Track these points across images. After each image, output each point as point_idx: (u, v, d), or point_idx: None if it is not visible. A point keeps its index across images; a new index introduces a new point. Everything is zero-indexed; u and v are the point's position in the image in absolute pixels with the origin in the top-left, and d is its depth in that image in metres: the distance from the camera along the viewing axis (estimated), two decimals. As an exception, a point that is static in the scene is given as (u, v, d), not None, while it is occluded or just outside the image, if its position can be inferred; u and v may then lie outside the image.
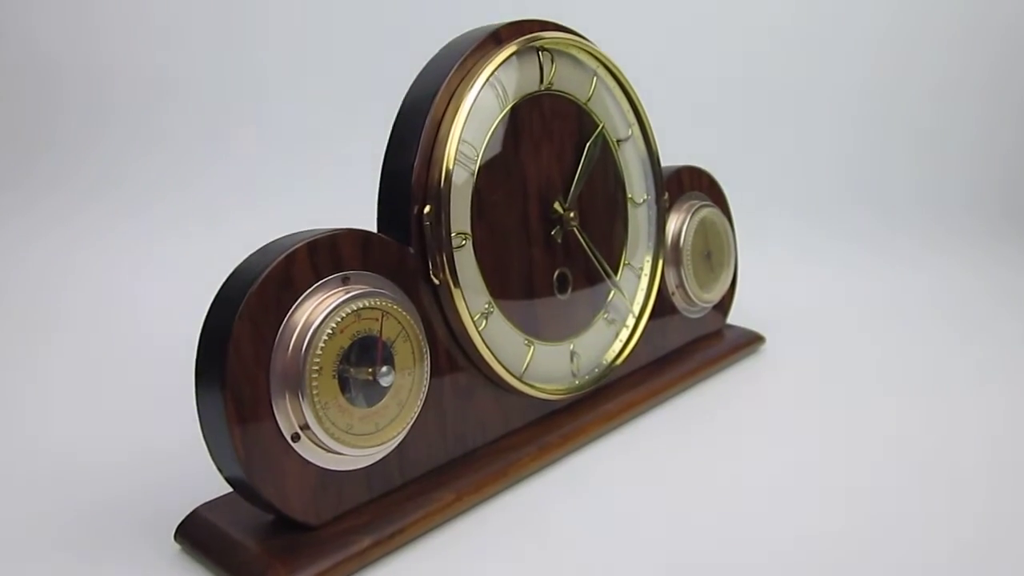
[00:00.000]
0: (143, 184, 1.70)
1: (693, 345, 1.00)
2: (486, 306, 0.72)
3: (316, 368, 0.57)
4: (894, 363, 1.03)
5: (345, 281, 0.61)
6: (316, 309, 0.59)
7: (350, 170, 1.49)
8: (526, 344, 0.76)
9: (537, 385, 0.77)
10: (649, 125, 0.88)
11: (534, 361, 0.77)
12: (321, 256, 0.60)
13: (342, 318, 0.59)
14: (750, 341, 1.05)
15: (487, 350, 0.71)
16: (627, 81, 0.85)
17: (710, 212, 0.97)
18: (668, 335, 0.97)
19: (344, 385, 0.60)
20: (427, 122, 0.67)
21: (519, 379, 0.75)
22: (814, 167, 1.84)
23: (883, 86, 1.86)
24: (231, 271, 0.59)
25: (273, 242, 0.61)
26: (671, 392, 0.91)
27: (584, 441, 0.80)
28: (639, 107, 0.86)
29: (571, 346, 0.81)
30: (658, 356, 0.95)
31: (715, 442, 0.82)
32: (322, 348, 0.58)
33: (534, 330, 0.77)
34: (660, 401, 0.90)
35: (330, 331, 0.58)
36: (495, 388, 0.74)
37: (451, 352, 0.70)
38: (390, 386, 0.62)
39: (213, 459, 0.58)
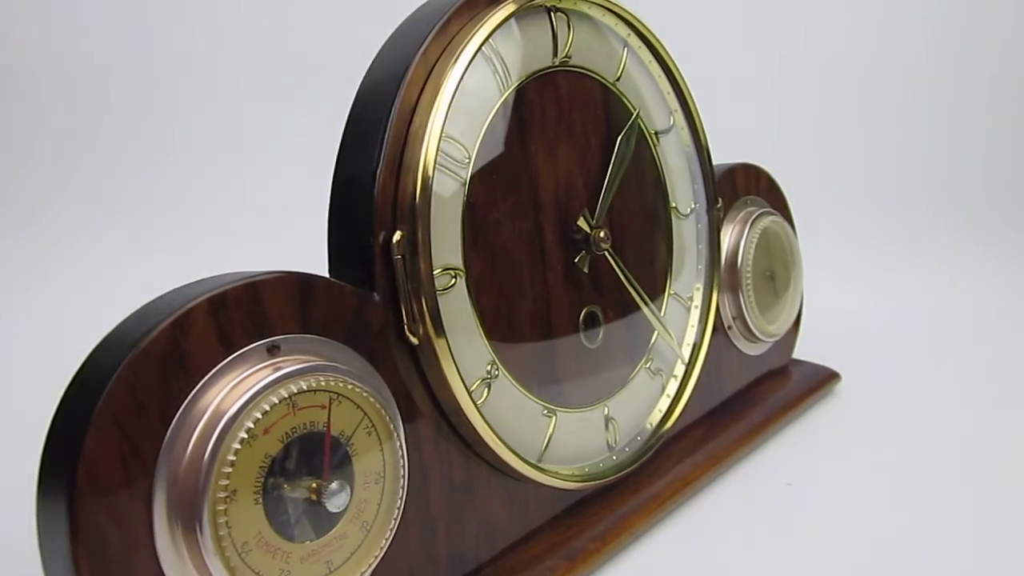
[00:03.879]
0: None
1: (754, 389, 0.79)
2: (488, 369, 0.51)
3: (226, 490, 0.37)
4: (1000, 393, 0.83)
5: (272, 352, 0.41)
6: (226, 399, 0.39)
7: (293, 182, 1.25)
8: (546, 415, 0.56)
9: (562, 471, 0.56)
10: (697, 112, 0.67)
11: (557, 436, 0.56)
12: (233, 316, 0.40)
13: (267, 410, 0.38)
14: (824, 380, 0.84)
15: (490, 432, 0.50)
16: (668, 54, 0.64)
17: (772, 222, 0.77)
18: (724, 379, 0.76)
19: (275, 511, 0.39)
20: (395, 111, 0.47)
21: (537, 465, 0.54)
22: (882, 159, 1.55)
23: (955, 81, 1.60)
24: (91, 351, 0.39)
25: (157, 299, 0.40)
26: (734, 458, 0.70)
27: (627, 540, 0.59)
28: (684, 88, 0.66)
29: (605, 410, 0.61)
30: (713, 406, 0.74)
31: (796, 521, 0.63)
32: (235, 459, 0.37)
33: (556, 394, 0.56)
34: (721, 471, 0.69)
35: (248, 432, 0.38)
36: (503, 479, 0.54)
37: (440, 437, 0.50)
38: (345, 507, 0.41)
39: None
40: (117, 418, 0.36)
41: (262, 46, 1.51)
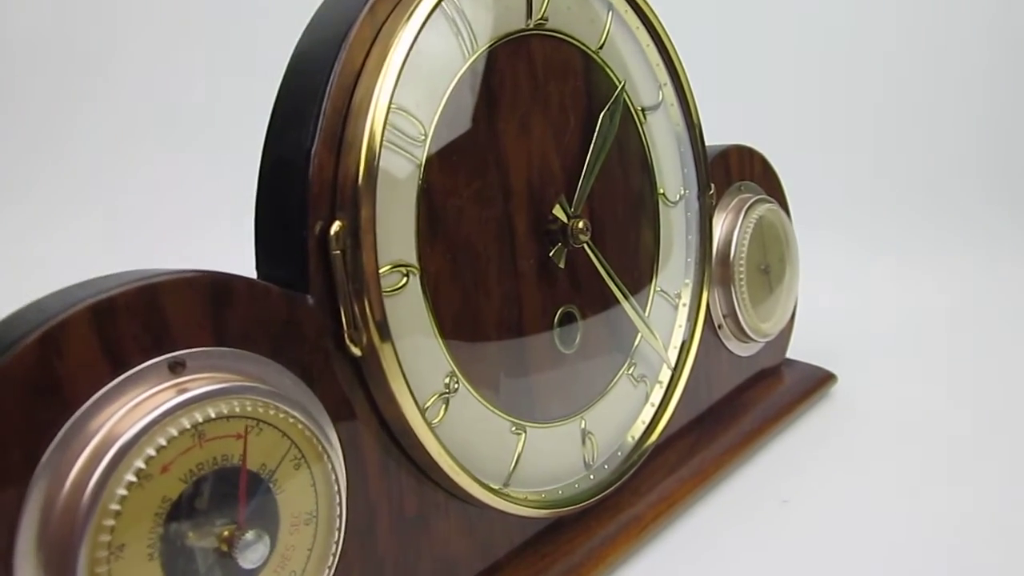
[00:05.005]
0: None
1: (745, 392, 0.72)
2: (446, 382, 0.44)
3: (108, 546, 0.30)
4: (1001, 394, 0.78)
5: (176, 370, 0.33)
6: (111, 431, 0.31)
7: (217, 166, 1.13)
8: (514, 431, 0.48)
9: (532, 496, 0.49)
10: (689, 87, 0.60)
11: (527, 456, 0.49)
12: (123, 327, 0.32)
13: (165, 444, 0.31)
14: (819, 382, 0.77)
15: (446, 456, 0.43)
16: (658, 20, 0.56)
17: (768, 210, 0.70)
18: (713, 382, 0.69)
19: (176, 568, 0.32)
20: (334, 77, 0.39)
21: (502, 492, 0.47)
22: (880, 157, 1.47)
23: (960, 75, 1.51)
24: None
25: (29, 306, 0.32)
26: (723, 472, 0.63)
27: (606, 571, 0.52)
28: (675, 59, 0.58)
29: (582, 423, 0.53)
30: (701, 412, 0.68)
31: (792, 543, 0.56)
32: (119, 508, 0.30)
33: (526, 408, 0.49)
34: (710, 488, 0.62)
35: (137, 473, 0.30)
36: (463, 506, 0.47)
37: (388, 464, 0.43)
38: (265, 560, 0.34)
39: None
40: (-35, 458, 0.28)
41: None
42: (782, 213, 0.72)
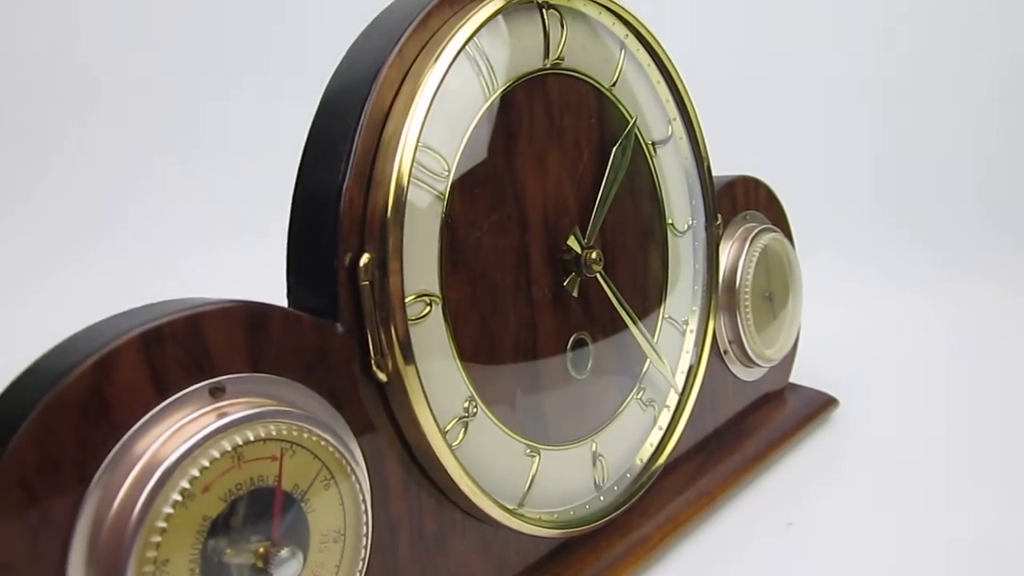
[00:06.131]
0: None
1: (750, 416, 0.74)
2: (465, 406, 0.46)
3: (154, 562, 0.32)
4: (1002, 418, 0.79)
5: (216, 395, 0.35)
6: (158, 453, 0.33)
7: (249, 198, 1.17)
8: (529, 454, 0.50)
9: (544, 516, 0.51)
10: (697, 121, 0.62)
11: (540, 477, 0.51)
12: (169, 353, 0.34)
13: (207, 465, 0.33)
14: (821, 406, 0.79)
15: (466, 477, 0.45)
16: (668, 58, 0.59)
17: (773, 239, 0.72)
18: (718, 407, 0.71)
19: (213, 581, 0.34)
20: (365, 117, 0.42)
21: (517, 513, 0.49)
22: (882, 184, 1.49)
23: (962, 99, 1.54)
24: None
25: (82, 332, 0.34)
26: (729, 493, 0.65)
27: (615, 590, 0.54)
28: (684, 95, 0.61)
29: (593, 446, 0.55)
30: (706, 434, 0.69)
31: (798, 564, 0.58)
32: (165, 526, 0.32)
33: (540, 431, 0.51)
34: (716, 509, 0.64)
35: (182, 492, 0.32)
36: (480, 526, 0.48)
37: (409, 484, 0.44)
38: (297, 575, 0.36)
39: None
40: (25, 479, 0.30)
41: (225, 38, 1.43)
42: (786, 242, 0.75)
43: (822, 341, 0.91)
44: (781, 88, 1.50)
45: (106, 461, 0.32)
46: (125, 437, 0.33)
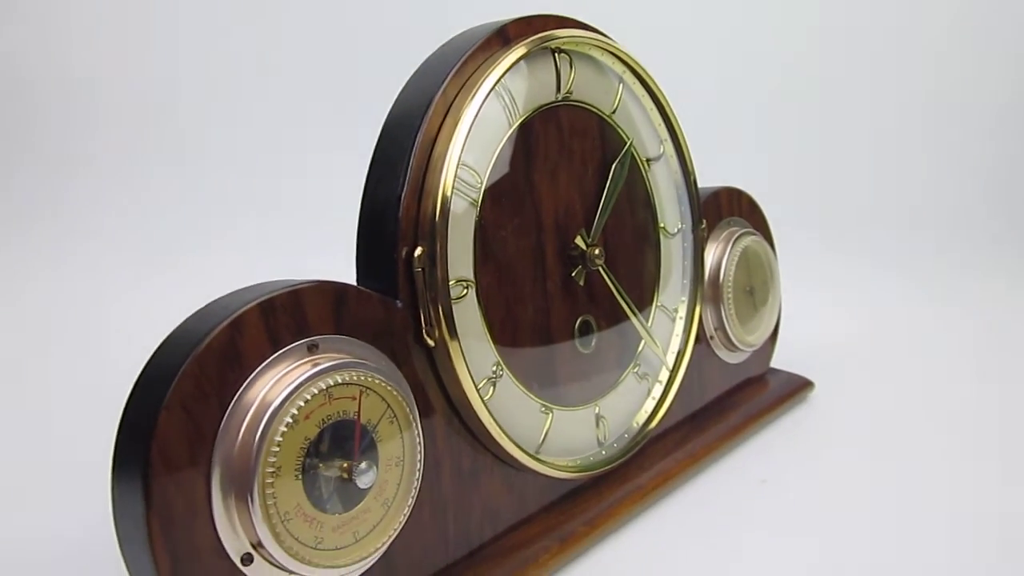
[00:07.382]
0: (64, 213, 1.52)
1: (734, 394, 0.86)
2: (494, 369, 0.58)
3: (273, 467, 0.43)
4: (965, 405, 0.90)
5: (312, 350, 0.47)
6: (272, 389, 0.45)
7: (325, 203, 1.32)
8: (543, 411, 0.62)
9: (558, 462, 0.63)
10: (685, 141, 0.74)
11: (553, 431, 0.63)
12: (279, 319, 0.46)
13: (308, 400, 0.45)
14: (798, 388, 0.91)
15: (495, 424, 0.57)
16: (659, 89, 0.71)
17: (753, 241, 0.83)
18: (705, 384, 0.82)
19: (311, 487, 0.45)
20: (418, 141, 0.54)
21: (535, 456, 0.61)
22: (852, 179, 1.66)
23: (932, 100, 1.69)
24: (158, 345, 0.45)
25: (215, 302, 0.47)
26: (712, 456, 0.77)
27: (614, 527, 0.65)
28: (673, 120, 0.73)
29: (596, 409, 0.67)
30: (695, 409, 0.81)
31: (768, 513, 0.69)
32: (281, 440, 0.44)
33: (553, 393, 0.63)
34: (701, 468, 0.75)
35: (291, 417, 0.44)
36: (505, 468, 0.60)
37: (451, 429, 0.56)
38: (372, 484, 0.48)
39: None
40: (184, 404, 0.42)
41: (309, 83, 1.62)
42: (766, 244, 0.86)
43: (801, 330, 1.03)
44: (765, 114, 1.69)
45: (237, 394, 0.44)
46: (250, 378, 0.45)
